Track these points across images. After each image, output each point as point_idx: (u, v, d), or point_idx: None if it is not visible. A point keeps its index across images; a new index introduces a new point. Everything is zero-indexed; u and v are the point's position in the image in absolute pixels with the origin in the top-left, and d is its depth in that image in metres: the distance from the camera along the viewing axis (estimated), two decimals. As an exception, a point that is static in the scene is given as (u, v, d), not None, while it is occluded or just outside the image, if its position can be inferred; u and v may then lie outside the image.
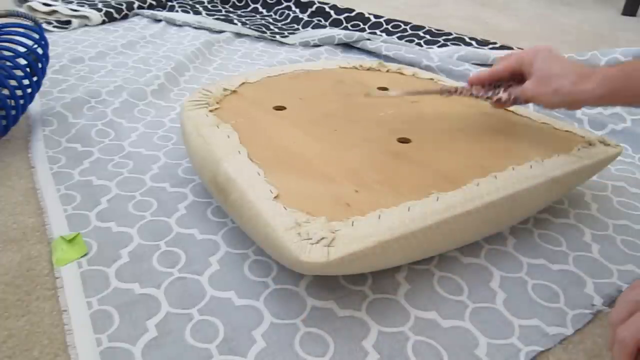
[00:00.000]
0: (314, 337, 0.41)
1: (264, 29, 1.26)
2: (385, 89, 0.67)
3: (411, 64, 1.03)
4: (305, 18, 1.39)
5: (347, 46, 1.18)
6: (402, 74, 0.74)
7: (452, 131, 0.57)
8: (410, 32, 1.28)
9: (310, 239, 0.38)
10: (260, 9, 1.50)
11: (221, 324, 0.42)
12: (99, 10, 1.27)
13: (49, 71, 0.90)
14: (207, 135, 0.52)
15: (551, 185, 0.51)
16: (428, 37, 1.24)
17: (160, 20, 1.30)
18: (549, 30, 1.50)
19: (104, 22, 1.26)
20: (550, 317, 0.44)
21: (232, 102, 0.61)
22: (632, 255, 0.52)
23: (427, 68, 1.01)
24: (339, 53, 1.15)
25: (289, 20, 1.39)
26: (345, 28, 1.32)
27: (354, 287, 0.46)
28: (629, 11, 1.79)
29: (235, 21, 1.32)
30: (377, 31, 1.29)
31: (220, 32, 1.23)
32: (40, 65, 0.72)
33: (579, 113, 0.83)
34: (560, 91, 0.49)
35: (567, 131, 0.59)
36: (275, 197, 0.43)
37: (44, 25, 1.16)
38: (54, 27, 1.20)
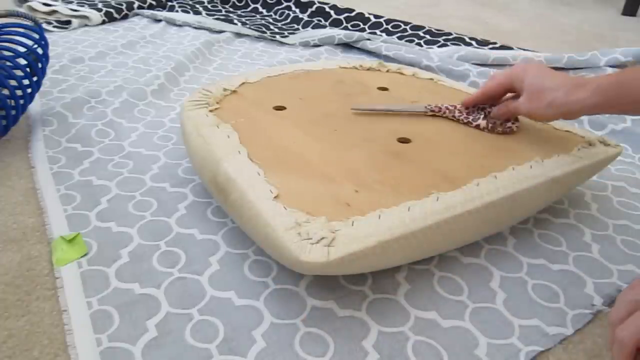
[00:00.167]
0: (314, 337, 0.41)
1: (264, 29, 1.26)
2: (385, 89, 0.67)
3: (411, 64, 1.03)
4: (305, 18, 1.39)
5: (347, 46, 1.18)
6: (402, 74, 0.74)
7: (452, 131, 0.57)
8: (410, 32, 1.28)
9: (310, 239, 0.38)
10: (260, 9, 1.50)
11: (221, 324, 0.42)
12: (99, 10, 1.27)
13: (49, 71, 0.90)
14: (207, 135, 0.52)
15: (551, 185, 0.51)
16: (428, 37, 1.24)
17: (160, 20, 1.30)
18: (549, 30, 1.50)
19: (104, 22, 1.27)
20: (550, 317, 0.44)
21: (232, 102, 0.61)
22: (632, 255, 0.52)
23: (427, 68, 1.01)
24: (339, 53, 1.15)
25: (289, 20, 1.39)
26: (345, 28, 1.32)
27: (354, 287, 0.46)
28: (629, 11, 1.79)
29: (235, 21, 1.32)
30: (377, 31, 1.29)
31: (220, 32, 1.23)
32: (40, 65, 0.72)
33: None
34: (554, 103, 0.49)
35: (567, 131, 0.59)
36: (275, 197, 0.43)
37: (44, 25, 1.16)
38: (54, 27, 1.20)
